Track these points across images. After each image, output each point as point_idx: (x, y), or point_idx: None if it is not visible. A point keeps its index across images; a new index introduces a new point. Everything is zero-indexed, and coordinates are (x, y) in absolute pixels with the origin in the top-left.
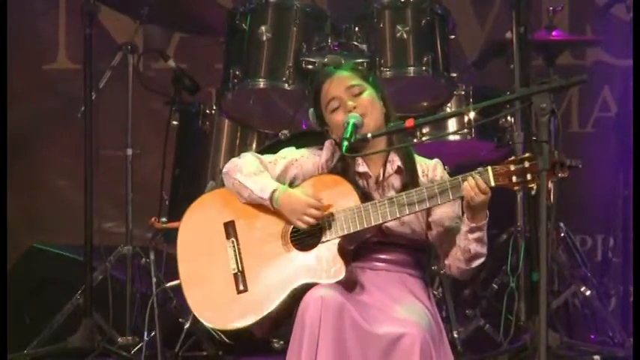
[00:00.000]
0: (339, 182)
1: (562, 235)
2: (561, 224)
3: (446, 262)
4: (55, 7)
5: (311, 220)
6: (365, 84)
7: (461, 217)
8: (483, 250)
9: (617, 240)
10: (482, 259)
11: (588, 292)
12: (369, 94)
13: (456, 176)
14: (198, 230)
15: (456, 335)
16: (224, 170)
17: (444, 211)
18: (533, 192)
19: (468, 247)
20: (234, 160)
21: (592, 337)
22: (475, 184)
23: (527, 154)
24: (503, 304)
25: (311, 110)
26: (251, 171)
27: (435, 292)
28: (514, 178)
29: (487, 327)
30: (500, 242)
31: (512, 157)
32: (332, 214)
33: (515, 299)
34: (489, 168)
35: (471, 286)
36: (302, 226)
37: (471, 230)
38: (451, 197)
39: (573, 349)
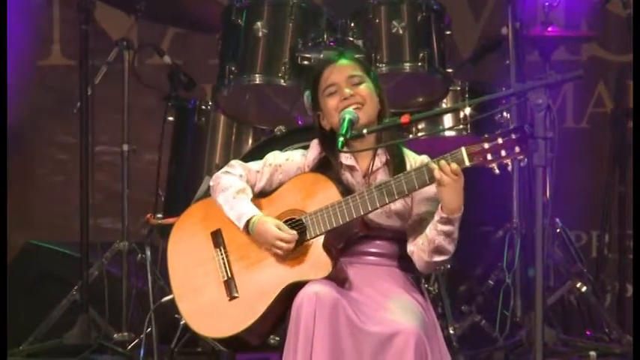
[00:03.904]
0: (319, 180)
1: (558, 230)
2: (557, 220)
3: (410, 248)
4: (48, 3)
5: (279, 252)
6: (365, 76)
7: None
8: (449, 247)
9: (613, 236)
10: (445, 257)
11: (584, 288)
12: (367, 86)
13: (432, 160)
14: (187, 242)
15: (451, 331)
16: (210, 183)
17: (424, 200)
18: (523, 164)
19: (434, 238)
20: (218, 175)
21: (588, 333)
22: (443, 165)
23: (499, 131)
24: (499, 300)
25: (307, 93)
26: (230, 195)
27: (431, 288)
28: (489, 156)
29: (483, 323)
30: (496, 238)
31: (486, 135)
32: (314, 212)
33: (511, 295)
34: (462, 148)
35: (467, 282)
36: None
37: (442, 220)
38: (427, 182)
39: (569, 345)
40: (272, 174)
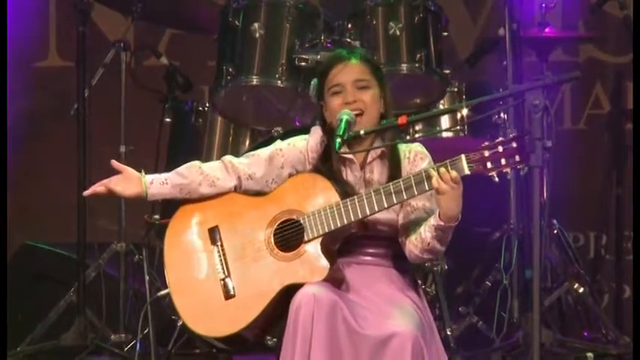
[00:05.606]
0: (318, 180)
1: (555, 232)
2: (554, 221)
3: (402, 239)
4: (45, 4)
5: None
6: (372, 80)
7: (433, 210)
8: (442, 248)
9: (610, 237)
10: (436, 256)
11: (581, 290)
12: (372, 92)
13: (432, 166)
14: (184, 238)
15: (449, 332)
16: None
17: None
18: (523, 172)
19: (427, 240)
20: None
21: (585, 334)
22: (443, 172)
23: (500, 139)
24: (496, 301)
25: (315, 80)
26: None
27: (429, 290)
28: (488, 164)
29: (480, 324)
30: (494, 240)
31: (486, 143)
32: (313, 213)
33: (509, 296)
34: (462, 156)
35: (464, 283)
36: None
37: (437, 228)
38: (427, 188)
39: (566, 346)
40: (272, 157)
